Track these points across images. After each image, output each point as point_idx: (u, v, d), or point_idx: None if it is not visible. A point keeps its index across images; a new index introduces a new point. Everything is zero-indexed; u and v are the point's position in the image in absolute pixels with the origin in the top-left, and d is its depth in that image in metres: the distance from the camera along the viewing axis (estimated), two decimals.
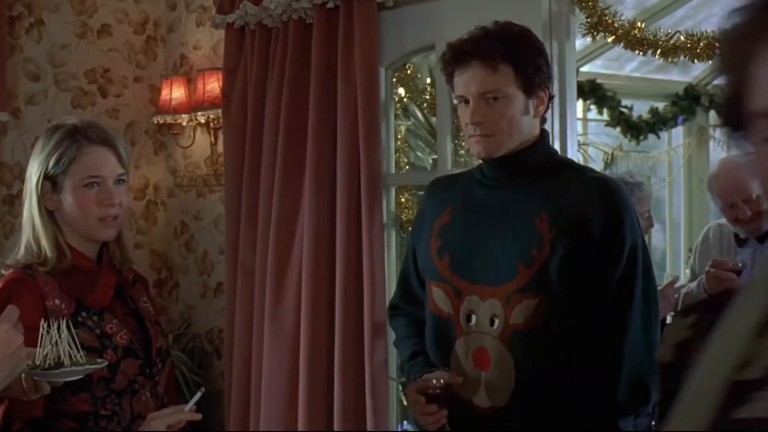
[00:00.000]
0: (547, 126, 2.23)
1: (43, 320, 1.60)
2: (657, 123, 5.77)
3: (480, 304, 2.07)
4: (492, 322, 2.06)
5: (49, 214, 2.03)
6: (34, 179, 2.03)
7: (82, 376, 1.71)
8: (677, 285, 3.21)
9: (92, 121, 2.18)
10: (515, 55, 2.05)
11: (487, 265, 2.08)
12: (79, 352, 1.65)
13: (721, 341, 1.00)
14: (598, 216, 2.01)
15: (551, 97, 2.16)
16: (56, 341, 1.66)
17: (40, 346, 1.66)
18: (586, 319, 2.02)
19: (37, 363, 1.66)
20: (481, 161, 2.21)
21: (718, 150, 6.14)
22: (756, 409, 0.94)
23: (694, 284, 3.23)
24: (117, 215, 2.05)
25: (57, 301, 1.96)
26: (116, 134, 2.16)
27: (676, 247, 6.23)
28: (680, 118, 5.86)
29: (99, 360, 1.69)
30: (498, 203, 2.13)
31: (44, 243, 2.00)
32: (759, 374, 0.97)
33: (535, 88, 2.08)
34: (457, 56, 2.08)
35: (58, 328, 1.66)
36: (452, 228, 2.17)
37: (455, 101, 2.14)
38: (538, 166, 2.13)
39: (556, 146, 2.76)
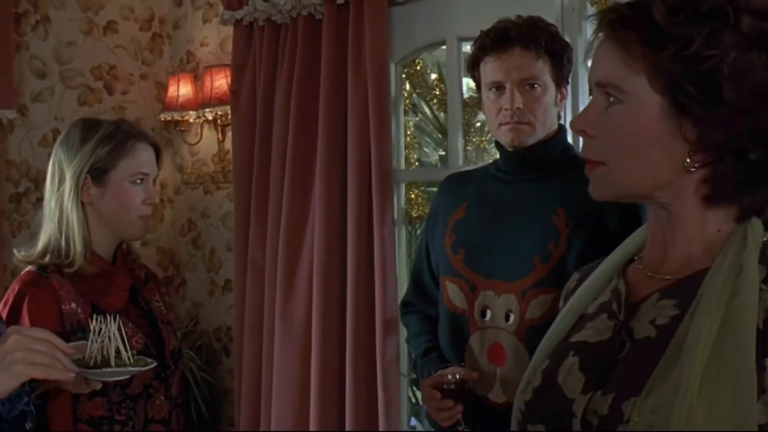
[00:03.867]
0: (560, 121, 2.23)
1: (95, 315, 1.53)
2: None
3: (495, 299, 2.07)
4: (507, 318, 2.05)
5: (83, 208, 2.00)
6: (73, 171, 1.98)
7: (128, 377, 1.63)
8: None
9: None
10: (554, 46, 2.07)
11: (502, 260, 2.07)
12: (127, 351, 1.57)
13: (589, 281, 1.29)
14: (614, 210, 2.00)
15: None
16: (107, 338, 1.57)
17: (90, 342, 1.61)
18: None
19: (84, 359, 1.58)
20: (497, 156, 2.20)
21: None
22: (583, 335, 1.20)
23: None
24: (149, 214, 2.06)
25: (73, 305, 1.93)
26: None
27: None
28: None
29: (149, 360, 1.59)
30: (513, 198, 2.12)
31: (76, 238, 1.97)
32: (594, 309, 1.23)
33: (563, 80, 2.12)
34: (500, 41, 2.06)
35: (108, 325, 1.58)
36: (467, 223, 2.17)
37: (486, 89, 2.10)
38: (555, 160, 2.13)
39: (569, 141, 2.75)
